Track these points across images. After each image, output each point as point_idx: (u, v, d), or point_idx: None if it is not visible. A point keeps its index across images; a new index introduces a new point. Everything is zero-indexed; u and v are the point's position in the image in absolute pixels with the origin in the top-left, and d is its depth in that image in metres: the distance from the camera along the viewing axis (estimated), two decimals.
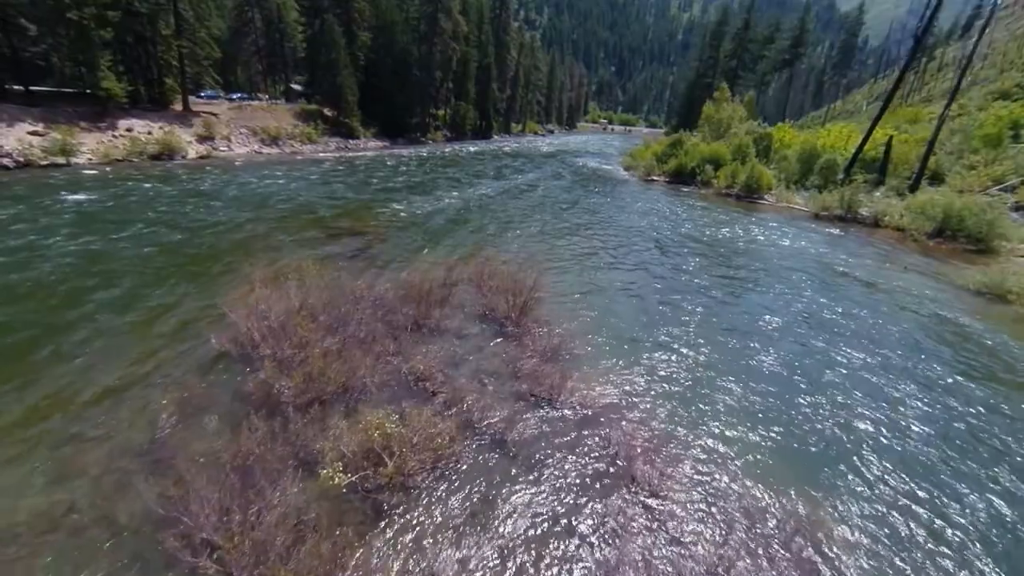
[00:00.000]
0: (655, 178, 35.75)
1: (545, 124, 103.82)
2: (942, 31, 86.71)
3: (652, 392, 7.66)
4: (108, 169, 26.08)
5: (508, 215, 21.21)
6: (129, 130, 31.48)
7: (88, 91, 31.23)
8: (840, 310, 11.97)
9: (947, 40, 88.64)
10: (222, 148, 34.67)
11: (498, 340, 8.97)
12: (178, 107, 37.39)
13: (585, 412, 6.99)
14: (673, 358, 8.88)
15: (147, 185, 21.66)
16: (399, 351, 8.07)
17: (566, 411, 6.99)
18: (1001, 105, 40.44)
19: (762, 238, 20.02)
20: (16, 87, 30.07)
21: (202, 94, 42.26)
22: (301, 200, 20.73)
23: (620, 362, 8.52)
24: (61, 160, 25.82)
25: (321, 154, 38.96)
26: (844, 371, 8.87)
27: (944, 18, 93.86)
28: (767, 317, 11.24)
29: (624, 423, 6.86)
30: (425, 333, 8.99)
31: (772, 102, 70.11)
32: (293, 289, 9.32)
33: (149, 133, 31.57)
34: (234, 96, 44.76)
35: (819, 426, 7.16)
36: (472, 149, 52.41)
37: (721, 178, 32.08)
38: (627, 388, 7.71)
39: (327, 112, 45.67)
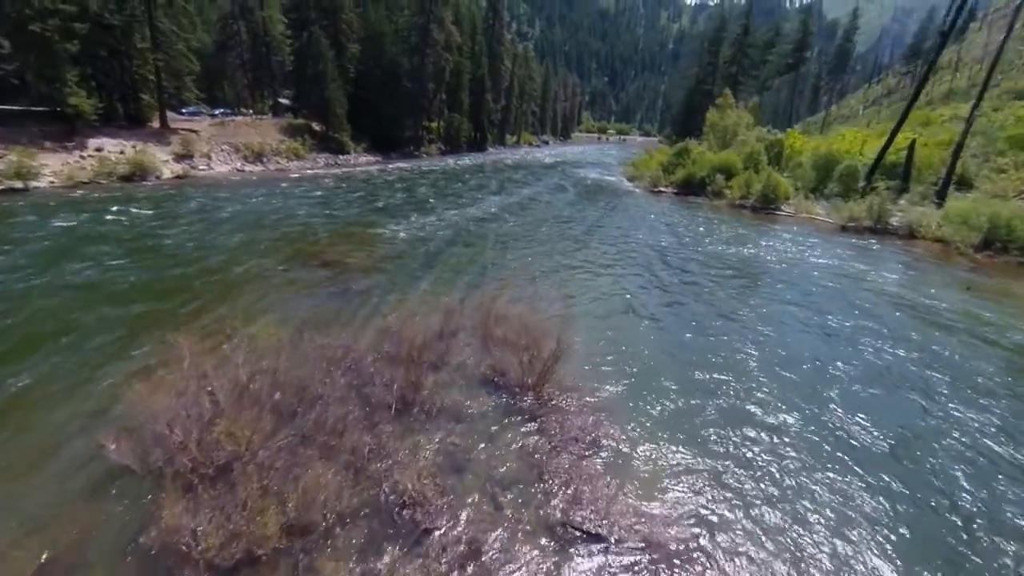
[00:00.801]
0: (662, 189, 33.81)
1: (540, 135, 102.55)
2: (935, 33, 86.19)
3: (742, 516, 5.39)
4: (73, 193, 23.85)
5: (513, 235, 19.08)
6: (99, 150, 29.30)
7: (58, 109, 29.11)
8: (920, 354, 9.80)
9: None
10: (201, 167, 32.51)
11: (513, 422, 6.73)
12: (156, 124, 35.30)
13: (653, 556, 4.73)
14: (748, 438, 6.65)
15: (110, 210, 19.41)
16: (378, 449, 5.82)
17: (625, 556, 4.73)
18: (1020, 105, 38.86)
19: (794, 255, 17.94)
20: None
21: (184, 110, 40.27)
22: (280, 225, 18.52)
23: (682, 455, 6.28)
24: (18, 184, 23.56)
25: (309, 171, 36.87)
26: (984, 457, 6.65)
27: (936, 21, 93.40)
28: (840, 366, 9.06)
29: None
30: (415, 414, 6.74)
31: (769, 107, 68.92)
32: (242, 355, 7.06)
33: (121, 152, 29.39)
34: (216, 112, 42.74)
35: None
36: (468, 162, 50.52)
37: (734, 188, 30.16)
38: (704, 507, 5.45)
39: (315, 127, 43.69)
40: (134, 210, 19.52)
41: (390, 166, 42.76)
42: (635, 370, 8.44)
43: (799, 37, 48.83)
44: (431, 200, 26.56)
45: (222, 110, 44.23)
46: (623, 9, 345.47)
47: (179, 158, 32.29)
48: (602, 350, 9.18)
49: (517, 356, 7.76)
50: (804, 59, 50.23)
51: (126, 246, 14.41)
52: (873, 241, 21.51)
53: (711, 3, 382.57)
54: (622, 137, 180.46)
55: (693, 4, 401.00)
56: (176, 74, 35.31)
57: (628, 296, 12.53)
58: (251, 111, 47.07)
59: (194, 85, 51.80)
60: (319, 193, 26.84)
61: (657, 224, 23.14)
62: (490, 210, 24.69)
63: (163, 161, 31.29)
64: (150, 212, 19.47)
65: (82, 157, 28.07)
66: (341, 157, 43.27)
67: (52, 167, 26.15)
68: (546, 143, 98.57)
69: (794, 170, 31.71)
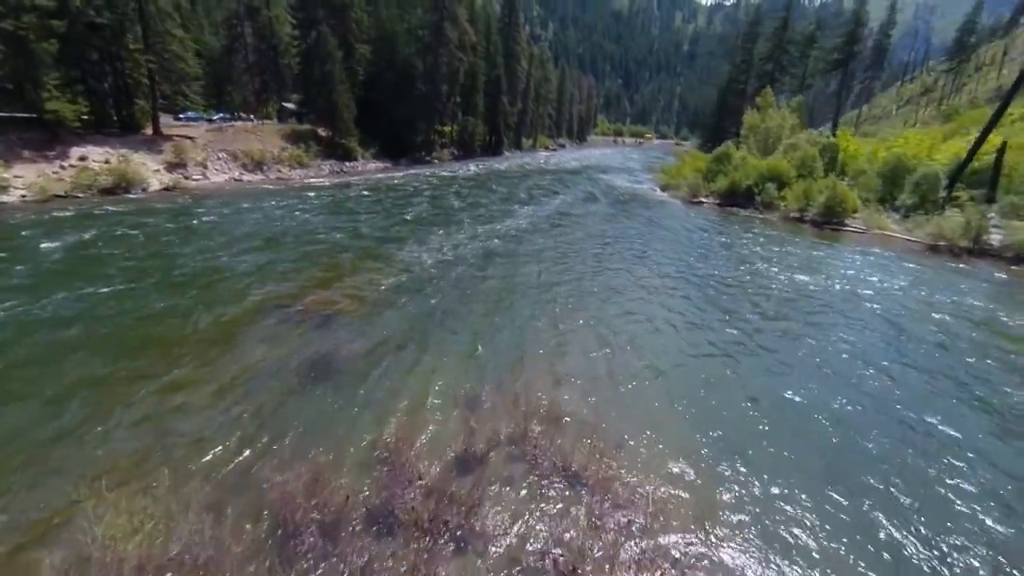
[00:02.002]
0: (703, 200, 30.16)
1: (556, 138, 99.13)
2: (984, 28, 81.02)
3: None
4: (45, 208, 21.15)
5: (550, 262, 15.73)
6: (83, 159, 26.71)
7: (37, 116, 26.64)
8: None
9: (990, 38, 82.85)
10: (195, 176, 29.81)
11: None
12: (149, 131, 32.76)
13: None
14: None
15: (76, 231, 16.54)
16: None
17: None
18: None
19: (890, 289, 14.28)
20: None
21: (181, 116, 37.79)
22: (263, 252, 15.42)
23: None
24: None
25: (313, 180, 34.04)
26: None
27: (982, 15, 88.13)
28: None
29: None
30: None
31: (805, 108, 64.57)
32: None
33: (106, 162, 26.77)
34: (215, 117, 40.20)
35: None
36: (485, 168, 47.32)
37: (788, 199, 26.45)
38: None
39: (321, 132, 40.96)
40: (89, 234, 16.59)
41: (400, 173, 39.77)
42: (776, 524, 5.00)
43: (850, 29, 44.56)
44: (447, 216, 23.33)
45: (221, 115, 41.69)
46: (637, 10, 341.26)
47: (171, 167, 29.65)
48: (703, 473, 5.75)
49: (592, 510, 4.40)
50: (854, 54, 46.01)
51: (67, 293, 11.37)
52: (975, 266, 17.71)
53: (727, 3, 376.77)
54: (638, 140, 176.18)
55: (708, 4, 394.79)
56: (171, 77, 32.73)
57: (724, 367, 9.08)
58: (252, 116, 44.45)
59: (201, 90, 49.97)
60: (319, 207, 23.81)
61: (711, 246, 19.58)
62: (518, 226, 21.39)
63: (153, 171, 28.65)
64: (115, 232, 16.53)
65: (62, 167, 25.49)
66: (348, 164, 40.44)
67: (27, 179, 23.56)
68: (562, 146, 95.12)
69: (856, 178, 27.86)
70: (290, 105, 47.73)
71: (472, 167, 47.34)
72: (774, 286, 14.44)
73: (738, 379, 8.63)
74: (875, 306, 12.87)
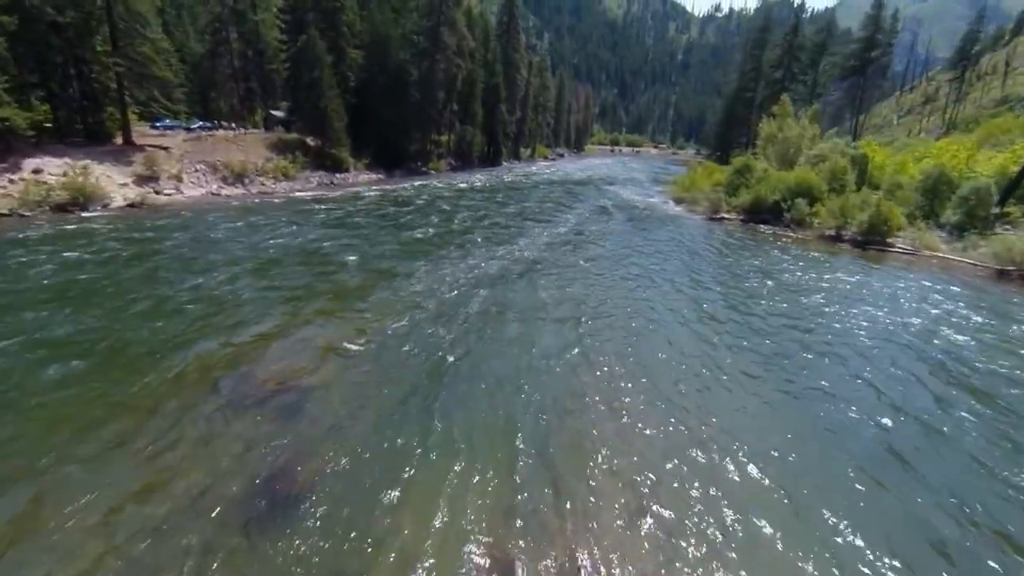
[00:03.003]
0: (725, 215, 27.69)
1: (554, 148, 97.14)
2: (988, 37, 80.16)
3: None
4: None
5: (580, 296, 13.04)
6: (37, 172, 23.83)
7: None
8: None
9: (993, 47, 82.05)
10: (168, 190, 26.98)
11: None
12: (120, 140, 29.96)
13: None
14: None
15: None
16: None
17: None
18: None
19: (990, 333, 11.65)
20: None
21: (158, 124, 35.03)
22: (222, 287, 12.62)
23: None
24: None
25: (299, 193, 31.30)
26: None
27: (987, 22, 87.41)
28: None
29: None
30: None
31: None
32: None
33: (64, 175, 23.87)
34: (194, 126, 37.44)
35: None
36: (486, 179, 44.77)
37: (821, 215, 24.03)
38: None
39: (310, 142, 38.30)
40: (39, 262, 13.72)
41: (394, 185, 37.14)
42: None
43: (868, 35, 42.66)
44: (454, 236, 20.62)
45: (201, 123, 38.93)
46: (631, 21, 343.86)
47: (141, 180, 26.82)
48: None
49: None
50: (871, 60, 44.14)
51: None
52: None
53: (719, 15, 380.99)
54: (635, 150, 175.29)
55: (701, 16, 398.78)
56: (142, 82, 29.99)
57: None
58: (234, 124, 41.71)
59: (184, 97, 47.24)
60: (303, 225, 21.02)
61: (748, 273, 16.98)
62: (535, 247, 18.77)
63: (119, 185, 25.83)
64: (38, 261, 13.63)
65: (10, 182, 22.59)
66: (338, 175, 37.77)
67: None
68: (561, 156, 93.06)
69: (892, 192, 25.51)
70: (278, 113, 45.12)
71: (472, 178, 44.80)
72: (838, 325, 11.85)
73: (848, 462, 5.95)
74: (966, 353, 10.29)
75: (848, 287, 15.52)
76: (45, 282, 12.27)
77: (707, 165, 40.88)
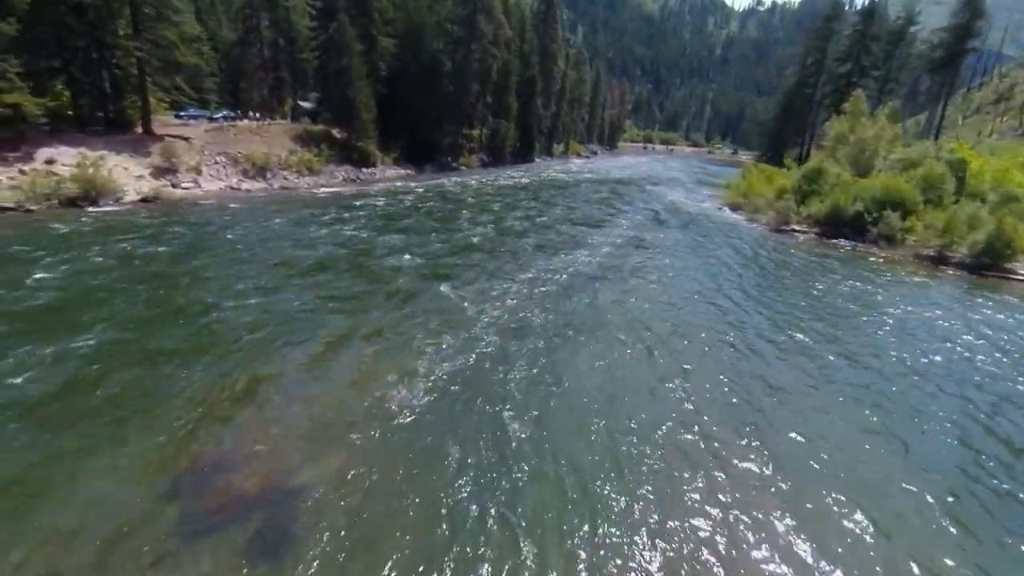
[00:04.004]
0: (795, 227, 24.30)
1: (587, 144, 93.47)
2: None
3: None
4: None
5: (662, 331, 10.36)
6: (50, 162, 22.44)
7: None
8: None
9: None
10: (185, 183, 25.36)
11: None
12: (140, 129, 28.55)
13: None
14: None
15: None
16: None
17: None
18: None
19: None
20: None
21: (182, 113, 33.62)
22: (214, 314, 10.43)
23: None
24: None
25: (322, 189, 29.37)
26: None
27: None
28: None
29: None
30: None
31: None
32: None
33: (78, 167, 22.40)
34: (218, 115, 35.97)
35: None
36: (521, 177, 42.11)
37: (919, 232, 20.53)
38: None
39: (336, 134, 36.38)
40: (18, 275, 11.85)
41: (426, 182, 34.87)
42: None
43: (962, 22, 37.53)
44: (500, 244, 18.11)
45: (224, 113, 37.46)
46: (668, 15, 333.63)
47: (159, 173, 25.27)
48: None
49: None
50: (965, 52, 39.03)
51: None
52: None
53: (760, 8, 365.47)
54: (669, 147, 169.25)
55: (742, 10, 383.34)
56: (166, 69, 28.44)
57: None
58: (258, 114, 40.16)
59: (215, 86, 46.14)
60: (325, 227, 18.84)
61: (842, 306, 13.90)
62: (593, 260, 16.16)
63: (135, 177, 24.30)
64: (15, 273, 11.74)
65: (21, 172, 21.20)
66: (365, 170, 35.72)
67: None
68: (594, 153, 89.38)
69: (1004, 204, 21.67)
70: (306, 104, 43.46)
71: (508, 176, 42.18)
72: (991, 397, 8.80)
73: None
74: None
75: (987, 334, 12.28)
76: (75, 289, 10.33)
77: (763, 168, 37.14)
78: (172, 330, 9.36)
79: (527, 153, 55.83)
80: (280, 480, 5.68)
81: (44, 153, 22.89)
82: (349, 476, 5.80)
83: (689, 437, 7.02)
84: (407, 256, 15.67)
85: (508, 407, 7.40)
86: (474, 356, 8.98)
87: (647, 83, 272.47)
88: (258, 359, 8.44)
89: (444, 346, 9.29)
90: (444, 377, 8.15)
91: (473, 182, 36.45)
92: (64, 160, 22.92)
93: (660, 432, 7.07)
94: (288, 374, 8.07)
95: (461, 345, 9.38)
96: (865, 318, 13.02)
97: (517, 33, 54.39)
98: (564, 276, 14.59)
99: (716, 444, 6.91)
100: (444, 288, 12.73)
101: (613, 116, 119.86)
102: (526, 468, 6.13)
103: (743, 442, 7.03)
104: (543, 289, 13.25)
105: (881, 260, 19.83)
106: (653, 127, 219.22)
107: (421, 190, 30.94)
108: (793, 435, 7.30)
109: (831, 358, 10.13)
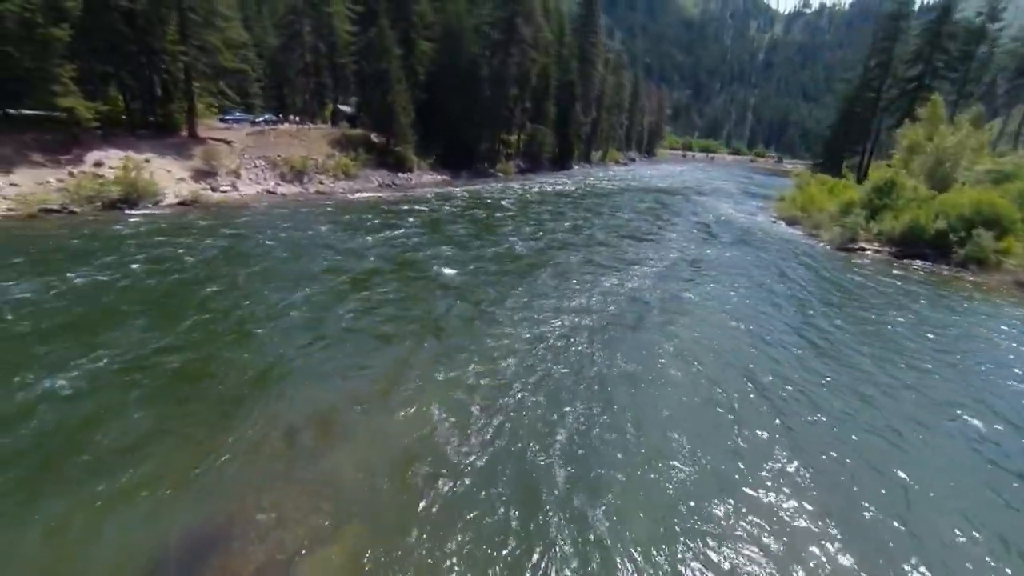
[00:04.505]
0: (864, 246, 21.99)
1: (625, 151, 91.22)
2: None
3: None
4: (25, 226, 16.94)
5: (735, 378, 8.84)
6: (98, 164, 22.81)
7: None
8: None
9: None
10: (224, 187, 25.38)
11: None
12: (186, 133, 28.95)
13: None
14: None
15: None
16: None
17: None
18: None
19: None
20: None
21: (227, 117, 34.07)
22: (225, 340, 9.63)
23: None
24: None
25: (358, 194, 28.96)
26: None
27: None
28: None
29: None
30: None
31: None
32: None
33: (122, 169, 22.63)
34: (260, 119, 36.36)
35: None
36: (563, 184, 40.79)
37: (1019, 255, 17.98)
38: None
39: (374, 138, 36.16)
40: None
41: (461, 189, 34.11)
42: None
43: None
44: (544, 260, 16.90)
45: (266, 117, 37.88)
46: (709, 19, 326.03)
47: (199, 175, 25.41)
48: None
49: None
50: None
51: None
52: None
53: (807, 11, 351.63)
54: (709, 155, 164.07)
55: (787, 13, 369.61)
56: (212, 73, 28.75)
57: None
58: (298, 118, 40.46)
59: (261, 91, 47.10)
60: (357, 236, 18.10)
61: (950, 342, 11.92)
62: (648, 278, 14.66)
63: (177, 180, 24.47)
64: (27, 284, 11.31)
65: (70, 175, 21.54)
66: (401, 175, 35.30)
67: (23, 188, 19.65)
68: (633, 160, 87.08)
69: None
70: (345, 108, 43.65)
71: (547, 183, 40.97)
72: None
73: None
74: None
75: None
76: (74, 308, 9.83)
77: (821, 179, 34.51)
78: (186, 351, 8.58)
79: (565, 160, 54.50)
80: (281, 570, 4.58)
81: (93, 156, 23.28)
82: (365, 566, 4.64)
83: (780, 529, 5.55)
84: (450, 270, 14.70)
85: (567, 478, 6.12)
86: (525, 399, 7.77)
87: (686, 89, 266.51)
88: (279, 394, 7.49)
89: (492, 385, 8.14)
90: (491, 428, 6.97)
91: (512, 189, 35.43)
92: (111, 163, 23.23)
93: (747, 524, 5.62)
94: (308, 416, 7.07)
95: (510, 383, 8.21)
96: (972, 358, 11.06)
97: (556, 37, 53.31)
98: (618, 298, 13.23)
99: (807, 526, 5.41)
100: (493, 310, 11.64)
101: (652, 123, 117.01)
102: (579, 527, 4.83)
103: (841, 531, 5.51)
104: (596, 313, 11.95)
105: (971, 286, 17.44)
106: (692, 134, 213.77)
107: (460, 197, 30.11)
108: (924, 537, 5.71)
109: (938, 418, 8.38)
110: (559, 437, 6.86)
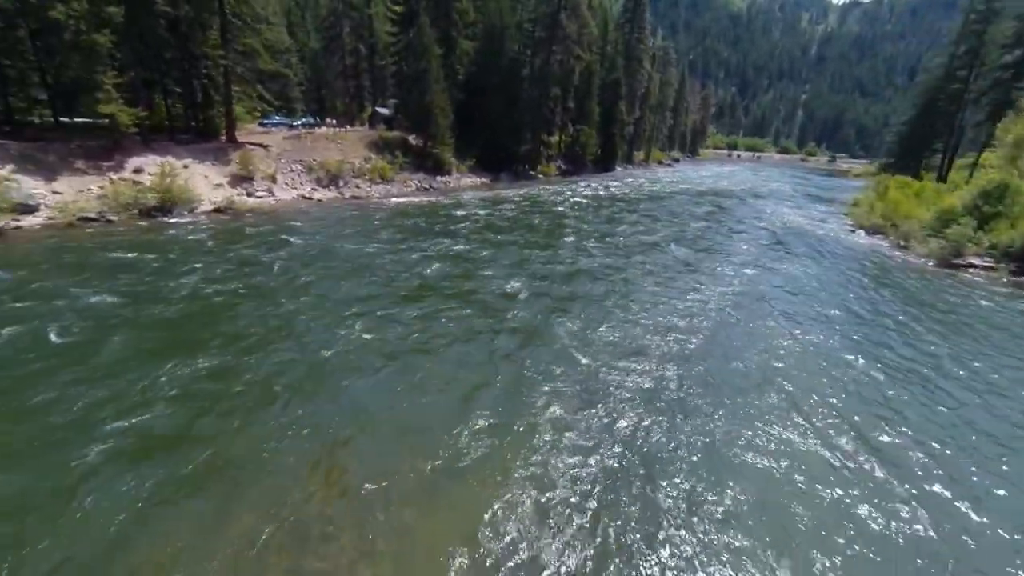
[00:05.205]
0: (974, 261, 18.79)
1: (668, 151, 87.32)
2: None
3: None
4: (62, 235, 16.56)
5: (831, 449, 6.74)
6: (138, 171, 22.57)
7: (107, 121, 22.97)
8: None
9: None
10: (259, 192, 24.78)
11: None
12: (225, 138, 28.71)
13: None
14: None
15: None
16: None
17: None
18: None
19: None
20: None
21: (266, 121, 33.86)
22: (259, 369, 8.28)
23: None
24: (1, 221, 16.71)
25: (394, 199, 27.85)
26: None
27: None
28: None
29: None
30: None
31: None
32: None
33: (161, 176, 22.29)
34: (297, 123, 36.01)
35: None
36: (609, 187, 38.57)
37: None
38: None
39: (412, 140, 35.13)
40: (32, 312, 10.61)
41: (502, 192, 32.52)
42: None
43: None
44: (604, 272, 15.08)
45: (303, 120, 37.57)
46: (756, 12, 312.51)
47: (236, 181, 24.93)
48: None
49: None
50: None
51: None
52: None
53: (864, 0, 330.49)
54: (756, 155, 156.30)
55: (841, 3, 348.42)
56: (250, 77, 28.36)
57: None
58: (335, 121, 40.03)
59: (301, 94, 47.29)
60: (388, 250, 16.74)
61: None
62: (722, 301, 12.55)
63: (214, 185, 24.04)
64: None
65: (110, 181, 21.30)
66: (439, 178, 34.09)
67: (64, 196, 19.43)
68: (677, 161, 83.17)
69: None
70: (383, 110, 42.99)
71: (591, 185, 38.83)
72: None
73: None
74: None
75: None
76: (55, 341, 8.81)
77: (902, 181, 30.79)
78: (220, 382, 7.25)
79: (608, 161, 52.07)
80: None
81: (134, 162, 23.08)
82: None
83: None
84: (509, 284, 13.26)
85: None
86: (611, 450, 6.00)
87: (731, 86, 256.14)
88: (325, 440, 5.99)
89: (570, 428, 6.48)
90: (575, 486, 5.24)
91: (557, 193, 33.50)
92: (151, 169, 22.95)
93: None
94: (365, 477, 5.52)
95: (592, 426, 6.59)
96: None
97: (600, 33, 51.02)
98: (694, 319, 11.25)
99: None
100: (561, 331, 10.17)
101: (696, 121, 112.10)
102: None
103: None
104: (674, 336, 10.13)
105: None
106: (737, 133, 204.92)
107: (504, 201, 28.49)
108: None
109: None
110: (651, 496, 5.02)
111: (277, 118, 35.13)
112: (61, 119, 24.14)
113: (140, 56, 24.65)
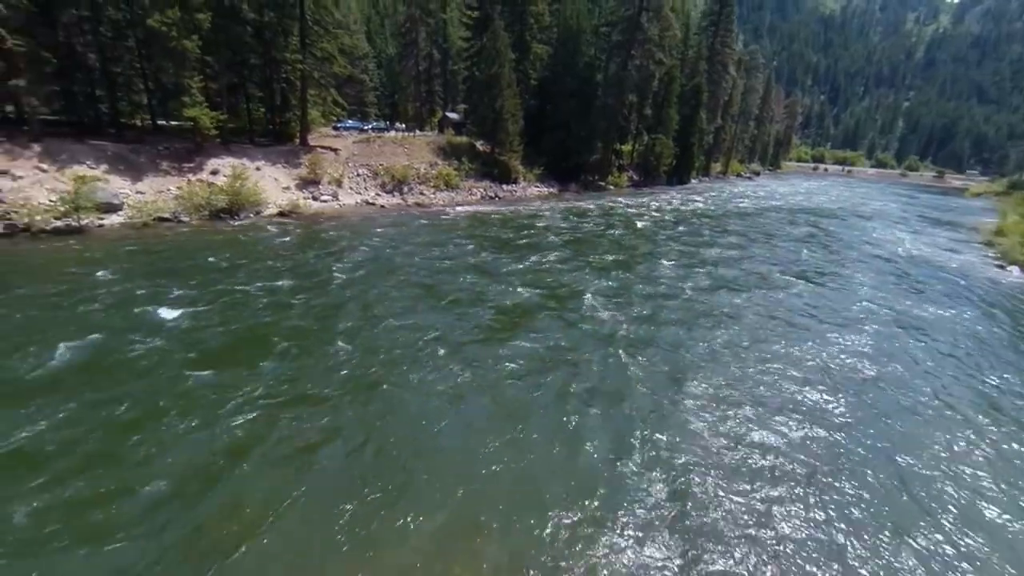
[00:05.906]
0: None
1: (747, 163, 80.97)
2: None
3: None
4: (138, 235, 16.84)
5: None
6: (215, 173, 23.05)
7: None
8: None
9: None
10: (324, 196, 24.62)
11: None
12: (299, 141, 29.13)
13: None
14: None
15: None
16: None
17: None
18: None
19: None
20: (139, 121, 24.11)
21: (339, 124, 34.28)
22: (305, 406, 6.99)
23: None
24: (87, 219, 17.27)
25: (458, 207, 26.79)
26: None
27: None
28: None
29: None
30: None
31: None
32: None
33: (233, 178, 22.59)
34: (367, 126, 36.19)
35: None
36: (687, 201, 35.55)
37: None
38: None
39: (480, 146, 34.16)
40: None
41: (573, 204, 30.58)
42: None
43: None
44: (687, 310, 12.81)
45: (372, 124, 37.76)
46: (852, 14, 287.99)
47: (303, 184, 24.95)
48: None
49: None
50: None
51: None
52: None
53: None
54: (846, 168, 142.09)
55: (958, 1, 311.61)
56: (324, 83, 28.53)
57: None
58: (404, 125, 39.95)
59: (376, 99, 48.32)
60: (454, 268, 15.37)
61: None
62: (845, 356, 10.02)
63: (283, 188, 24.14)
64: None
65: (188, 182, 21.82)
66: (506, 187, 32.78)
67: (145, 196, 19.99)
68: (756, 174, 76.80)
69: None
70: (453, 115, 42.59)
71: (666, 199, 35.88)
72: None
73: None
74: None
75: None
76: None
77: None
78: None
79: (683, 173, 48.47)
80: None
81: (212, 164, 23.65)
82: None
83: None
84: (597, 313, 11.60)
85: None
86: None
87: (819, 94, 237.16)
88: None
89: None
90: None
91: (632, 206, 31.01)
92: (226, 171, 23.32)
93: None
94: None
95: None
96: None
97: (682, 37, 47.76)
98: (813, 377, 8.79)
99: None
100: (663, 381, 8.24)
101: (779, 131, 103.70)
102: None
103: None
104: (791, 402, 7.77)
105: None
106: (824, 144, 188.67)
107: (580, 214, 26.57)
108: None
109: None
110: None
111: (350, 122, 35.56)
112: (159, 122, 25.29)
113: (226, 61, 25.41)
